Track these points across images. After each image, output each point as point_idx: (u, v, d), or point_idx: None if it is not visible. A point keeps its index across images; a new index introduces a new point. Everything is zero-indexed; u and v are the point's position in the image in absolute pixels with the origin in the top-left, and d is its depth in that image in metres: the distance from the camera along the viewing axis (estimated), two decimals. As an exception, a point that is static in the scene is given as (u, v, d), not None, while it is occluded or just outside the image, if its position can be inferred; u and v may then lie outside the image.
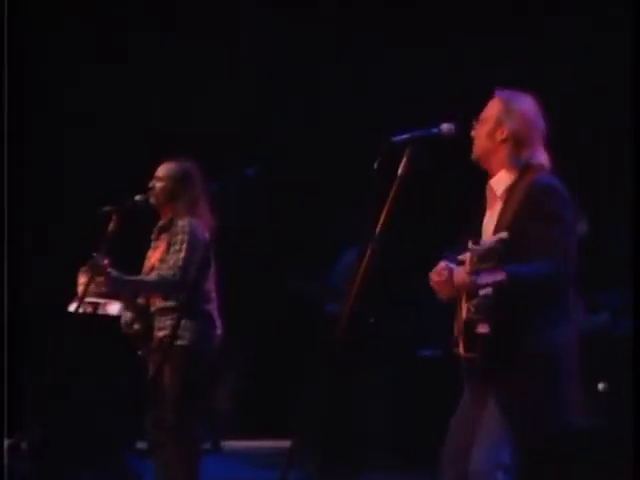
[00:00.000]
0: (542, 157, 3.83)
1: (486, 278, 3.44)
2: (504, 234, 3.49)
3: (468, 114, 3.97)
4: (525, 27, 8.41)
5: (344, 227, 7.97)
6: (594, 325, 6.75)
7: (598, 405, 6.61)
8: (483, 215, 3.92)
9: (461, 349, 3.74)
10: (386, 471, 7.44)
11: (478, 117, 3.93)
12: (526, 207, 3.65)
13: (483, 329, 3.58)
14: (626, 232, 5.70)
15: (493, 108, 3.89)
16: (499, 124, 3.84)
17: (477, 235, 3.84)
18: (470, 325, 3.66)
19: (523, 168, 3.79)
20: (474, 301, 3.49)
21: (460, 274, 3.65)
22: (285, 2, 9.06)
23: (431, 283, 3.82)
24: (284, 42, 9.16)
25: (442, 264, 3.78)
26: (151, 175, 5.35)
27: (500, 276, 3.40)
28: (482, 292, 3.45)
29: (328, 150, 9.07)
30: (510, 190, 3.78)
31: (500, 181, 3.83)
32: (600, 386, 6.61)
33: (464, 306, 3.69)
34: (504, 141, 3.83)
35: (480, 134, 3.88)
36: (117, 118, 8.99)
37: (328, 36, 9.04)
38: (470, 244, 3.64)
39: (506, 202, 3.77)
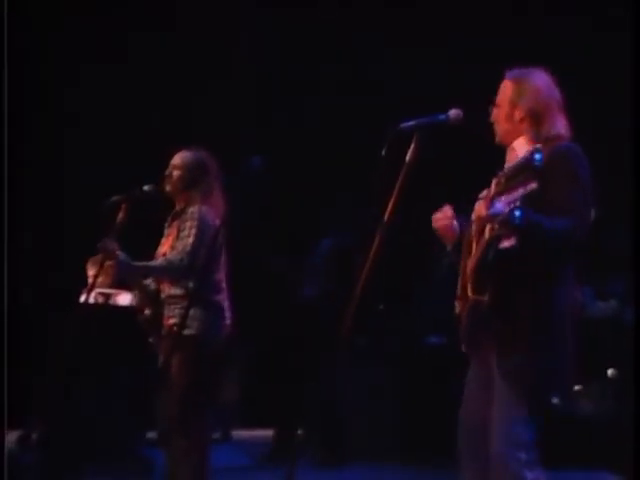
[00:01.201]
0: (561, 127, 3.85)
1: (514, 195, 3.34)
2: (538, 145, 3.44)
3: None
4: (525, 27, 8.43)
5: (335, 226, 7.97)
6: (603, 312, 6.76)
7: (607, 391, 6.63)
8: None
9: (469, 291, 3.67)
10: (384, 462, 7.42)
11: (493, 102, 3.95)
12: (547, 169, 3.56)
13: (509, 242, 3.49)
14: (626, 230, 5.73)
15: (506, 91, 3.92)
16: (514, 106, 3.87)
17: None
18: (484, 262, 3.59)
19: (544, 140, 3.77)
20: (500, 217, 3.36)
21: (479, 207, 3.63)
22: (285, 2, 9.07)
23: (435, 225, 3.87)
24: (284, 42, 9.17)
25: (446, 207, 3.85)
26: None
27: (532, 185, 3.30)
28: (507, 208, 3.32)
29: (328, 149, 9.08)
30: None
31: (522, 145, 3.83)
32: (609, 372, 6.62)
33: (484, 234, 3.61)
34: (522, 120, 3.86)
35: (498, 118, 3.92)
36: (117, 118, 8.99)
37: (328, 36, 9.06)
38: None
39: None
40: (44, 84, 8.99)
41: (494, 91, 4.00)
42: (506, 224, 3.35)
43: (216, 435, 7.99)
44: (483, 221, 3.59)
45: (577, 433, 6.43)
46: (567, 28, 8.36)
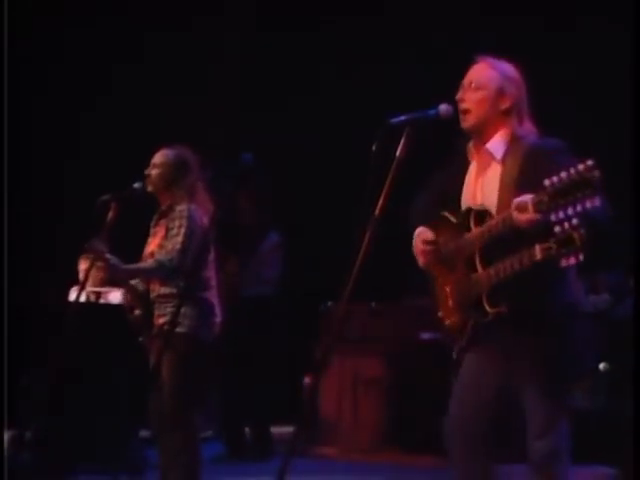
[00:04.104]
0: (530, 123, 3.71)
1: (571, 209, 3.09)
2: (589, 161, 3.08)
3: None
4: (526, 27, 8.41)
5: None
6: (595, 306, 6.75)
7: (600, 385, 6.61)
8: (457, 181, 3.80)
9: (486, 307, 3.51)
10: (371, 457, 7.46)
11: (464, 82, 3.75)
12: (531, 162, 3.51)
13: (574, 259, 3.23)
14: (624, 222, 5.71)
15: (486, 74, 3.69)
16: (501, 93, 3.65)
17: (455, 201, 3.75)
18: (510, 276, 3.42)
19: (523, 137, 3.64)
20: (557, 236, 3.18)
21: (523, 215, 3.30)
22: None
23: (417, 249, 3.79)
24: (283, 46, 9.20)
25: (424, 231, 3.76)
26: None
27: (591, 203, 3.04)
28: (558, 228, 3.17)
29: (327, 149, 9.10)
30: (508, 154, 3.63)
31: (497, 145, 3.66)
32: (601, 366, 6.61)
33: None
34: (507, 112, 3.66)
35: (476, 101, 3.65)
36: (117, 117, 9.02)
37: (327, 38, 9.09)
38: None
39: (505, 164, 3.62)
40: (44, 84, 9.04)
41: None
42: (570, 242, 3.20)
43: (208, 433, 7.99)
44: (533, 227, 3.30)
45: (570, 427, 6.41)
46: (567, 28, 8.34)
